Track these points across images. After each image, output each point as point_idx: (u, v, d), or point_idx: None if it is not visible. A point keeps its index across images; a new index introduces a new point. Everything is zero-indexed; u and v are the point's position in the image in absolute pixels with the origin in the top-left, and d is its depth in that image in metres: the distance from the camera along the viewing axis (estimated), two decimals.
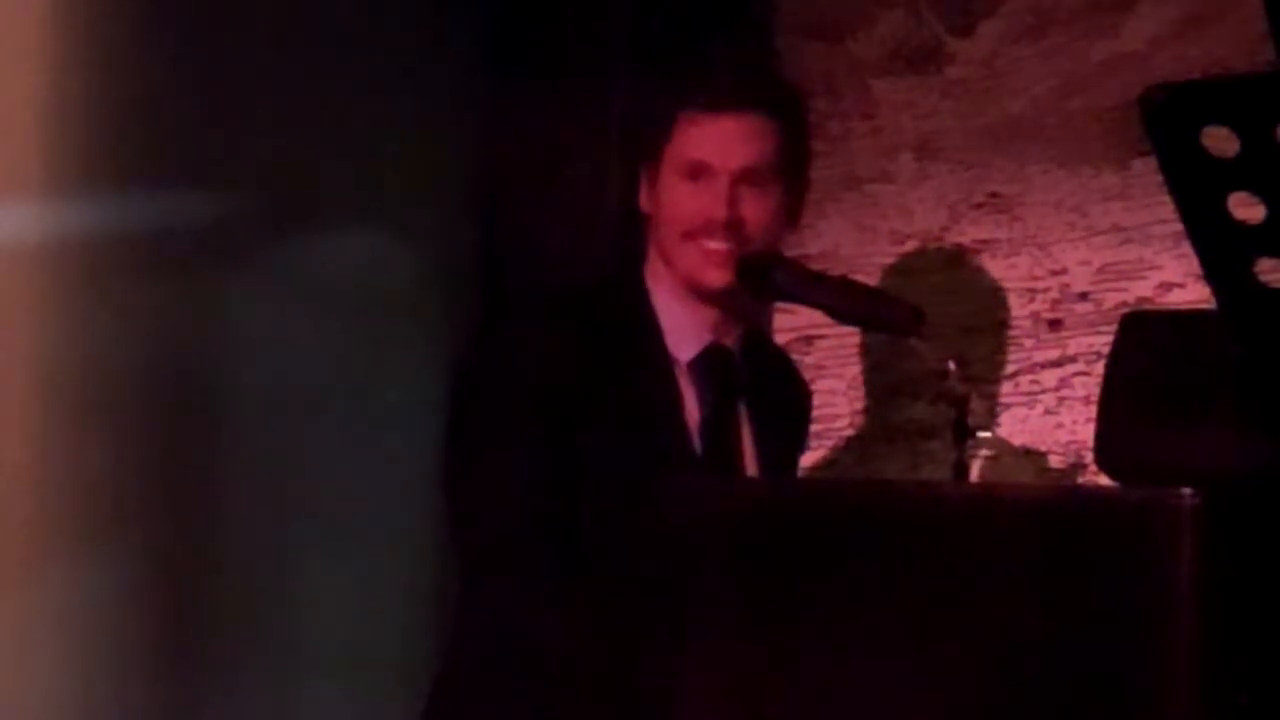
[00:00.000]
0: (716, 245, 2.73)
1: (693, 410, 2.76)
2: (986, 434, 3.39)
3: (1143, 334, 2.80)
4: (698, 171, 2.74)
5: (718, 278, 2.74)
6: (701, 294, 2.76)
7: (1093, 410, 2.88)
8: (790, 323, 3.61)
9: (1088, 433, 2.98)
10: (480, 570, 2.70)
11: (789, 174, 2.80)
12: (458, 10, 3.69)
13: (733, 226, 2.72)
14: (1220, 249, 1.88)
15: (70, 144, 3.06)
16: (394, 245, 3.53)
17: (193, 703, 3.25)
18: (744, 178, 2.73)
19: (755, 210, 2.74)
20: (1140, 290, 3.39)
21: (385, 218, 3.51)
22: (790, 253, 2.90)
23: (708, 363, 2.78)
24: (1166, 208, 1.96)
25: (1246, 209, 1.86)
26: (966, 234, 3.57)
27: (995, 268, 3.54)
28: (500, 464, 2.64)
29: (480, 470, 2.65)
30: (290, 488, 3.38)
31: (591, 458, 2.64)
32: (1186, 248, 1.92)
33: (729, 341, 2.81)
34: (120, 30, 3.10)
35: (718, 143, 2.73)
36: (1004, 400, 3.50)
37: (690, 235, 2.73)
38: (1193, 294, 3.25)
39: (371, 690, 3.43)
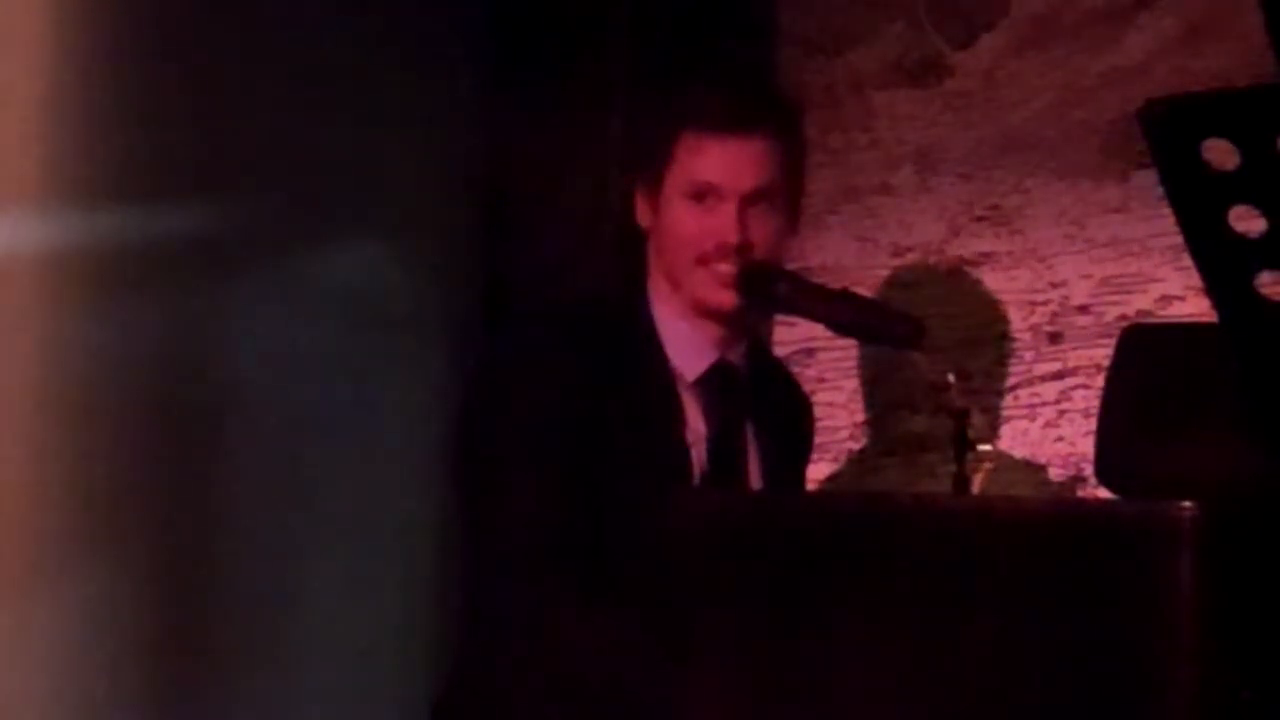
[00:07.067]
0: (727, 268, 2.72)
1: (696, 426, 2.76)
2: (986, 447, 3.38)
3: (1143, 347, 2.80)
4: (704, 192, 2.73)
5: (729, 300, 2.73)
6: (709, 314, 2.76)
7: (1093, 423, 2.88)
8: (790, 335, 3.61)
9: (1088, 445, 2.98)
10: (496, 581, 2.69)
11: (790, 191, 2.79)
12: (460, 24, 3.70)
13: (743, 249, 2.71)
14: (1221, 262, 1.88)
15: (71, 152, 3.06)
16: (396, 255, 3.53)
17: (194, 706, 3.25)
18: (752, 199, 2.72)
19: (762, 231, 2.73)
20: (1140, 303, 3.39)
21: (387, 228, 3.52)
22: (790, 265, 2.89)
23: (715, 379, 2.78)
24: (1167, 220, 1.96)
25: (1247, 222, 1.86)
26: (966, 246, 3.57)
27: (995, 280, 3.54)
28: (514, 478, 2.63)
29: (496, 483, 2.65)
30: (291, 494, 3.38)
31: (597, 471, 2.63)
32: (1186, 261, 1.92)
33: (734, 358, 2.80)
34: (120, 37, 3.10)
35: (725, 165, 2.72)
36: (1004, 413, 3.50)
37: (702, 261, 2.72)
38: (1193, 307, 3.25)
39: (372, 691, 3.43)
